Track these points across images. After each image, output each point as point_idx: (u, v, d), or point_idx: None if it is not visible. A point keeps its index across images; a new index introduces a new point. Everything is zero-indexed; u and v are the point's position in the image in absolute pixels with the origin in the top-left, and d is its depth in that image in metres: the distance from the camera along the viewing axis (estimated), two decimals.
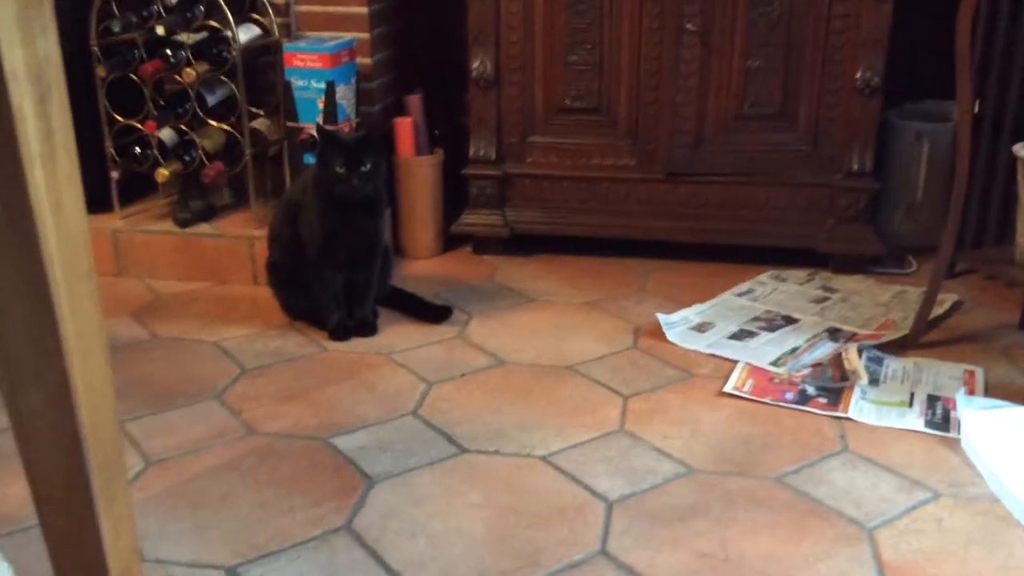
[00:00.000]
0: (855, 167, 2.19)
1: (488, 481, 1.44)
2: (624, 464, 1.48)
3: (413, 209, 2.38)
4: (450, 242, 2.44)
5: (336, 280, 1.93)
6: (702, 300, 2.11)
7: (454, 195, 2.44)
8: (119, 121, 2.21)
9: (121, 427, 1.58)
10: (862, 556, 1.26)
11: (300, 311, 2.02)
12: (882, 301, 2.11)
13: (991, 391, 1.70)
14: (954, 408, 1.63)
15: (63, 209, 0.84)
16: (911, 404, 1.65)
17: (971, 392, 1.69)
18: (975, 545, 1.29)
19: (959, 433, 1.55)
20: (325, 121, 2.17)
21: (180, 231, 2.26)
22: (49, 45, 0.82)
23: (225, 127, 2.23)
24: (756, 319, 2.01)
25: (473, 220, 2.39)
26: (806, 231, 2.26)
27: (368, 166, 1.82)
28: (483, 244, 2.42)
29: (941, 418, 1.61)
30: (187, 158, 2.24)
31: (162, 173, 2.18)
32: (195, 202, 2.31)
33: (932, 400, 1.66)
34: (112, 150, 2.23)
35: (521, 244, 2.39)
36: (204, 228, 2.28)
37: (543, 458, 1.50)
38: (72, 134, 0.84)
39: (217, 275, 2.26)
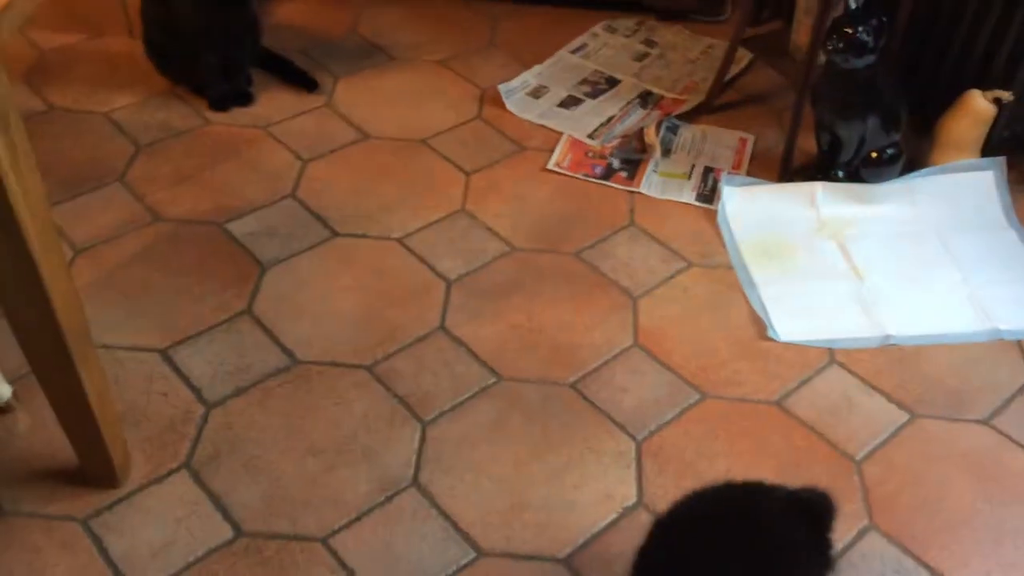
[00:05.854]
0: None
1: (357, 264, 1.85)
2: (463, 245, 1.90)
3: None
4: None
5: (212, 57, 2.14)
6: (541, 58, 2.41)
7: None
8: None
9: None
10: (626, 322, 1.77)
11: (179, 78, 2.24)
12: (692, 57, 2.45)
13: (757, 158, 2.15)
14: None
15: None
16: (690, 176, 2.09)
17: (738, 163, 2.13)
18: (705, 309, 1.80)
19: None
20: None
21: None
22: None
23: None
24: (584, 81, 2.34)
25: None
26: None
27: None
28: None
29: (710, 190, 2.06)
30: None
31: None
32: None
33: (707, 172, 2.10)
34: None
35: None
36: None
37: (400, 240, 1.90)
38: None
39: (92, 27, 2.41)
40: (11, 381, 1.53)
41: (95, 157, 2.06)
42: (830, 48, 1.82)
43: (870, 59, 1.82)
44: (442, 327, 1.74)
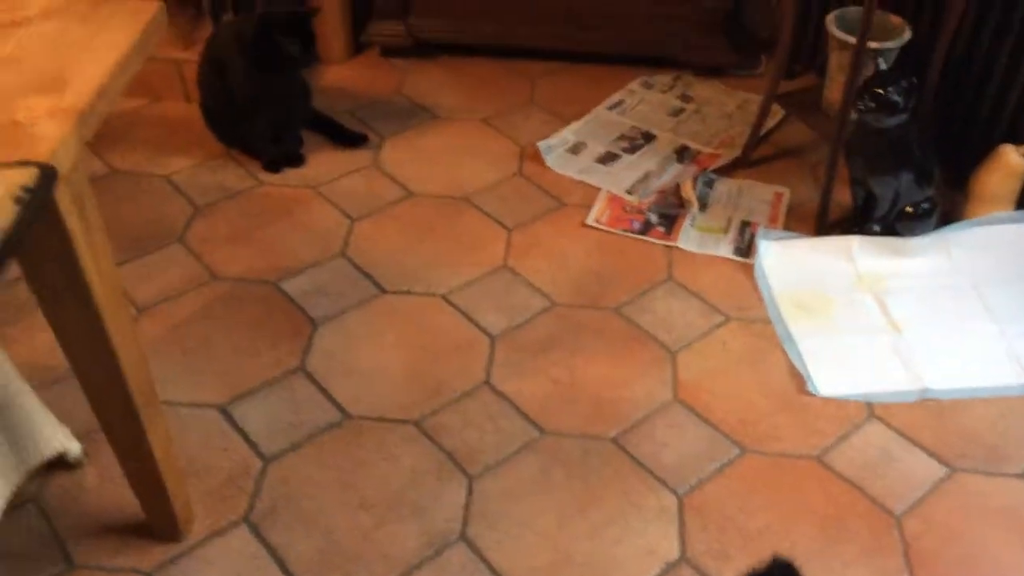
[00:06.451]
0: None
1: (403, 321, 1.92)
2: (505, 301, 1.97)
3: (322, 20, 2.61)
4: (361, 44, 2.71)
5: (265, 123, 2.25)
6: (579, 115, 2.49)
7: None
8: None
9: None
10: (665, 376, 1.81)
11: (234, 142, 2.35)
12: (727, 112, 2.51)
13: (793, 211, 2.19)
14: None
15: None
16: (727, 231, 2.14)
17: (774, 217, 2.17)
18: (744, 363, 1.84)
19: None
20: None
21: None
22: None
23: None
24: (622, 137, 2.41)
25: (379, 30, 2.65)
26: (671, 42, 2.59)
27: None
28: (389, 49, 2.70)
29: (747, 244, 2.10)
30: None
31: None
32: None
33: (743, 226, 2.15)
34: None
35: (425, 47, 2.68)
36: None
37: (444, 297, 1.97)
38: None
39: (151, 93, 2.53)
40: (81, 438, 1.61)
41: (155, 218, 2.16)
42: (861, 108, 1.87)
43: (901, 118, 1.86)
44: (487, 382, 1.79)
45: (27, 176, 0.89)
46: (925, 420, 1.72)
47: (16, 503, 1.53)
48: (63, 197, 1.09)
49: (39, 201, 0.87)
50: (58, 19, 1.18)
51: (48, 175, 0.90)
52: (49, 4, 1.20)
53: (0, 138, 0.98)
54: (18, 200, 0.86)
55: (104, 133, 2.41)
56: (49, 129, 1.00)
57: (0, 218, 0.85)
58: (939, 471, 1.63)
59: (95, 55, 1.11)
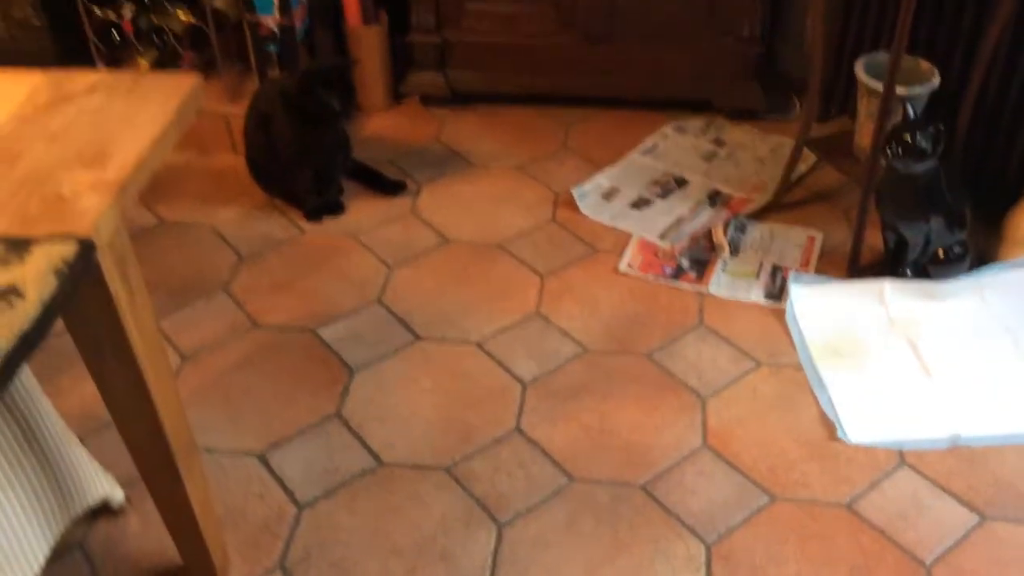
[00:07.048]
0: (745, 33, 2.52)
1: (437, 368, 1.96)
2: (538, 347, 2.00)
3: (364, 72, 2.70)
4: (400, 94, 2.79)
5: (308, 174, 2.33)
6: (613, 160, 2.52)
7: (403, 51, 2.74)
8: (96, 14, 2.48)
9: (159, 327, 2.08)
10: (695, 423, 1.83)
11: (278, 192, 2.43)
12: (760, 156, 2.53)
13: (825, 255, 2.20)
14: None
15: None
16: (758, 275, 2.15)
17: (806, 261, 2.18)
18: (774, 409, 1.85)
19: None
20: (281, 11, 2.44)
21: None
22: None
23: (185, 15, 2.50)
24: (654, 182, 2.44)
25: (418, 81, 2.73)
26: (703, 86, 2.62)
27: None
28: (428, 98, 2.77)
29: (778, 289, 2.11)
30: (160, 44, 2.53)
31: (143, 64, 2.48)
32: None
33: (775, 271, 2.16)
34: (94, 40, 2.51)
35: (463, 96, 2.75)
36: None
37: (477, 344, 2.01)
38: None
39: (199, 146, 2.63)
40: (125, 485, 1.67)
41: (202, 268, 2.24)
42: (889, 154, 1.88)
43: (929, 164, 1.87)
44: (518, 429, 1.82)
45: (68, 250, 0.95)
46: (957, 467, 1.71)
47: (62, 549, 1.59)
48: (105, 260, 1.15)
49: (78, 274, 0.93)
50: (102, 94, 1.25)
51: (87, 248, 0.96)
52: (94, 80, 1.28)
53: (46, 212, 1.04)
54: (58, 273, 0.92)
55: (153, 185, 2.51)
56: (92, 202, 1.06)
57: (41, 290, 0.91)
58: (970, 519, 1.62)
59: (136, 129, 1.18)
